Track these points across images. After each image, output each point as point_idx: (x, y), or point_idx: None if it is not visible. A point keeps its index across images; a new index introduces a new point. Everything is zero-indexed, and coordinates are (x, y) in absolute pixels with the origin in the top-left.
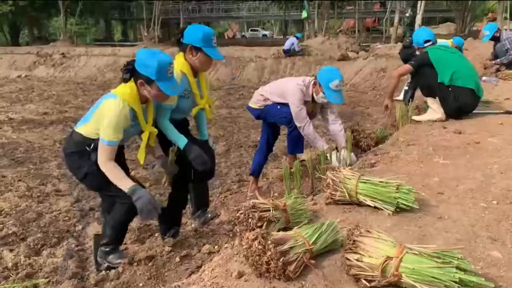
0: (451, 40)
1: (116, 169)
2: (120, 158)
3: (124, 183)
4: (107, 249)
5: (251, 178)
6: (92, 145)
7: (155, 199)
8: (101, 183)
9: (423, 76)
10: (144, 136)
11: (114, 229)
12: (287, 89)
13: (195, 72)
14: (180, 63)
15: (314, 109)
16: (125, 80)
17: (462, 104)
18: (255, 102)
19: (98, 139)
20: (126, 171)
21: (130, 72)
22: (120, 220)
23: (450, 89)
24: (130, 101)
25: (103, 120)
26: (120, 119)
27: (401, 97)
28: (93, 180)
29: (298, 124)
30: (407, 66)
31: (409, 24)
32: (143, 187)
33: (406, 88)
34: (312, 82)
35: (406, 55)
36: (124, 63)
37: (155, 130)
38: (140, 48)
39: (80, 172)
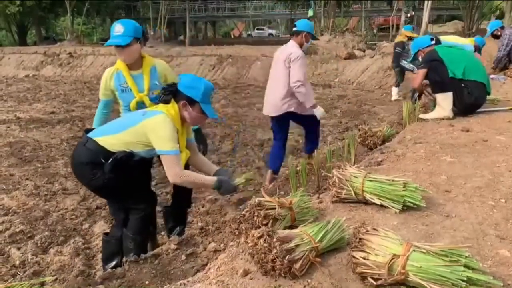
0: (473, 39)
1: (192, 173)
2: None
3: (207, 182)
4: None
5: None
6: (110, 159)
7: (233, 181)
8: (114, 195)
9: (435, 72)
10: (183, 157)
11: (135, 241)
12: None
13: (133, 66)
14: (118, 62)
15: None
16: (166, 102)
17: (476, 99)
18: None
19: (119, 153)
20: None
21: (173, 94)
22: (139, 231)
23: (463, 84)
24: (174, 120)
25: (155, 134)
26: (173, 131)
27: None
28: (107, 192)
29: (300, 83)
30: (421, 71)
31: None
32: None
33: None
34: (296, 42)
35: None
36: (164, 85)
37: (188, 152)
38: (183, 73)
39: (93, 184)
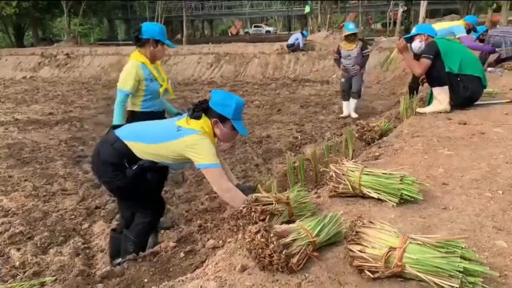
0: (463, 20)
1: (236, 191)
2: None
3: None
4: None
5: None
6: (136, 166)
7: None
8: (127, 197)
9: (432, 65)
10: None
11: (135, 244)
12: None
13: (152, 60)
14: (137, 56)
15: None
16: (197, 118)
17: (472, 93)
18: None
19: (145, 161)
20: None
21: (204, 110)
22: (143, 234)
23: (459, 78)
24: (209, 136)
25: (194, 152)
26: (212, 147)
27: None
28: (124, 193)
29: None
30: (426, 61)
31: (406, 18)
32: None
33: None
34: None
35: None
36: (195, 102)
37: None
38: (214, 90)
39: (112, 184)
